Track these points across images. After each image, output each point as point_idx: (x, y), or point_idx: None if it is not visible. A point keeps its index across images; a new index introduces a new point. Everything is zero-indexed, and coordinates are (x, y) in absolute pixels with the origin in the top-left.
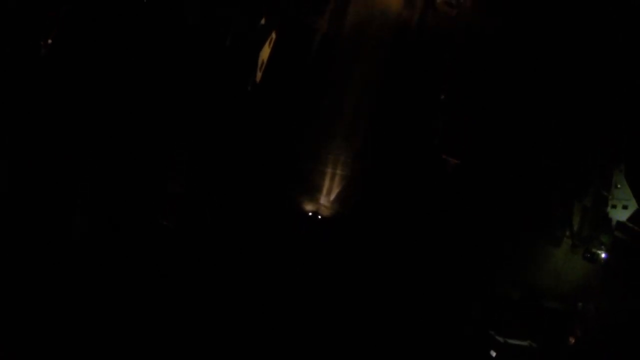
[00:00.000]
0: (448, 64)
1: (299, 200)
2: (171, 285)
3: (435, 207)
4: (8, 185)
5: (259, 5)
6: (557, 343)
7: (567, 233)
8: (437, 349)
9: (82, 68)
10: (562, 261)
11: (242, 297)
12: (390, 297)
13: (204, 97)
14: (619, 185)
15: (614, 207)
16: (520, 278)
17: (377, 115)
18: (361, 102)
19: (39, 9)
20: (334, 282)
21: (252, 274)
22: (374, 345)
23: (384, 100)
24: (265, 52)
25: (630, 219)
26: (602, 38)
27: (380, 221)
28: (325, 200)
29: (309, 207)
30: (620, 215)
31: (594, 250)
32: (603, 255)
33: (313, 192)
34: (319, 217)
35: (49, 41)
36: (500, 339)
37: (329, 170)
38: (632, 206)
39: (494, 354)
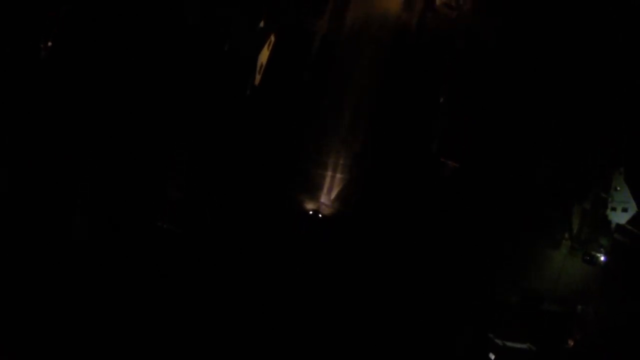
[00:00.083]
0: (447, 66)
1: (300, 200)
2: (171, 285)
3: (435, 209)
4: (8, 186)
5: (258, 7)
6: (556, 346)
7: (567, 236)
8: (436, 352)
9: (81, 68)
10: (562, 264)
11: (243, 297)
12: (389, 298)
13: (203, 99)
14: (618, 188)
15: (613, 209)
16: (519, 281)
17: (376, 117)
18: (361, 103)
19: (39, 9)
20: (335, 281)
21: (252, 274)
22: (373, 346)
23: (383, 103)
24: (264, 55)
25: (629, 221)
26: (602, 39)
27: (380, 221)
28: (325, 199)
29: (309, 206)
30: (619, 218)
31: (593, 252)
32: (602, 258)
33: (313, 191)
34: (320, 216)
35: (49, 44)
36: (499, 342)
37: (329, 171)
38: (632, 209)
39: (492, 356)
